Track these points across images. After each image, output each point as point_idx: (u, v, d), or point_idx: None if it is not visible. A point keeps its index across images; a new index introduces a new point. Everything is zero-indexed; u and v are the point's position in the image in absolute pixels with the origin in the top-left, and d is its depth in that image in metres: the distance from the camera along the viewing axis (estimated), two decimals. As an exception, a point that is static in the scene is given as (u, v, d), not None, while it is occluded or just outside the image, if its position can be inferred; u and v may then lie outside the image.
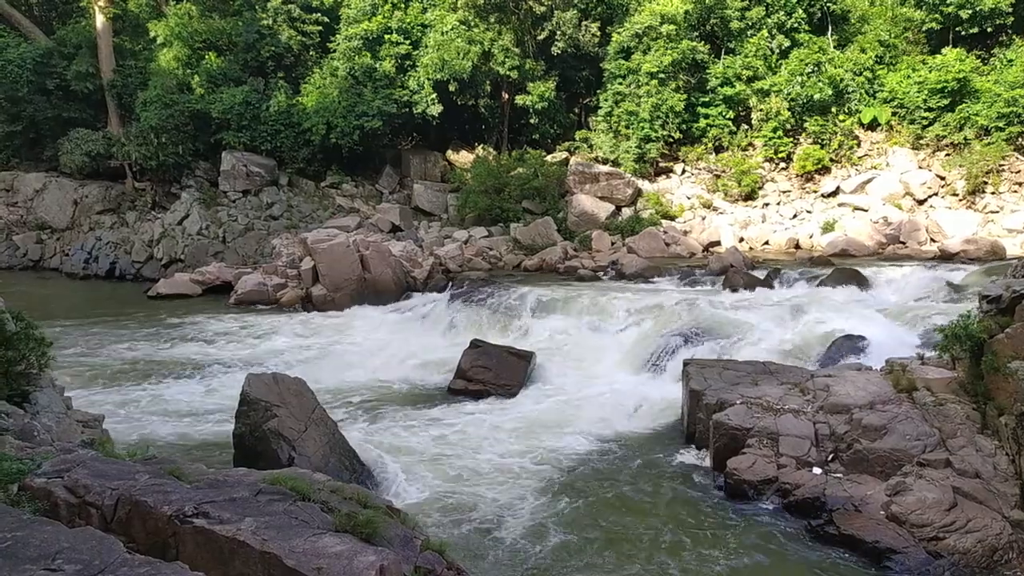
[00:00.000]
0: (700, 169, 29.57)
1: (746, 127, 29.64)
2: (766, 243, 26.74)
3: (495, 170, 29.58)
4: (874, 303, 16.47)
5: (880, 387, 10.26)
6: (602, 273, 23.10)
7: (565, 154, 31.01)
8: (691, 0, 28.76)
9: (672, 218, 27.90)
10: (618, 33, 29.29)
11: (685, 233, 26.92)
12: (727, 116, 29.30)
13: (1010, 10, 27.92)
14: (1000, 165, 26.33)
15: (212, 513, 4.87)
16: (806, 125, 28.73)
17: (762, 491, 9.19)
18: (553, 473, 10.32)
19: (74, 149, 31.06)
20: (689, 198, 28.81)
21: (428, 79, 29.61)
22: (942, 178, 27.29)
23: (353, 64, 30.34)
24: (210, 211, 29.58)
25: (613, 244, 26.26)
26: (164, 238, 29.07)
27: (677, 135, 28.92)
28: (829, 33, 30.50)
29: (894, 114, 28.67)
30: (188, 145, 31.11)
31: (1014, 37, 28.69)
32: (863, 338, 13.34)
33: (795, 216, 27.99)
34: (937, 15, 29.00)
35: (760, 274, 19.94)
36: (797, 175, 28.82)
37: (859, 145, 28.98)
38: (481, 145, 33.06)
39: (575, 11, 29.74)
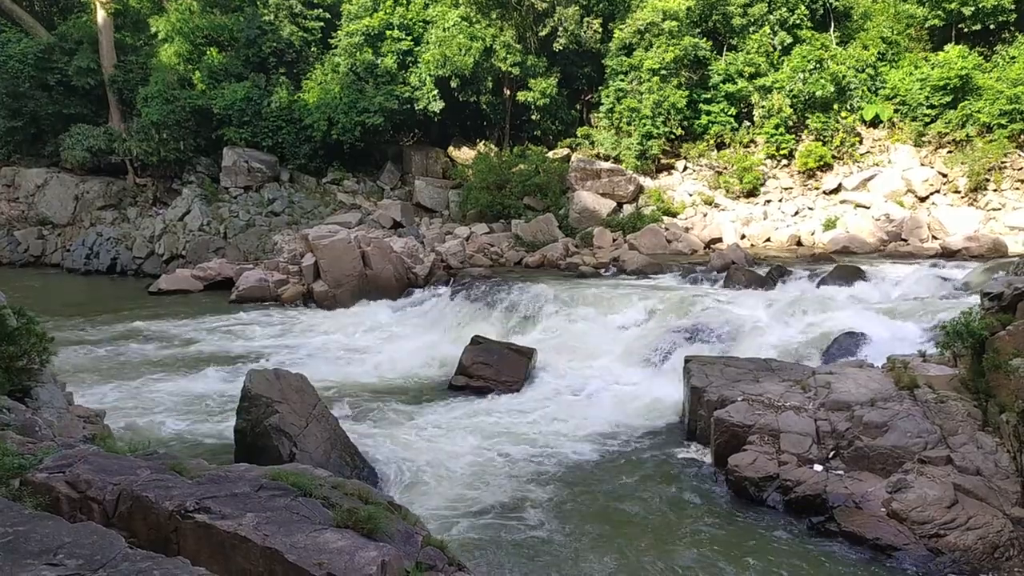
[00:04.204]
0: (702, 166, 29.54)
1: (748, 124, 29.61)
2: (768, 240, 26.72)
3: (497, 167, 29.56)
4: (876, 300, 16.46)
5: (881, 384, 10.25)
6: (603, 270, 23.08)
7: (567, 151, 30.98)
8: (693, -4, 28.75)
9: (674, 215, 27.87)
10: (620, 29, 29.24)
11: (687, 230, 26.90)
12: (729, 113, 29.27)
13: (1012, 7, 27.88)
14: (1002, 162, 26.31)
15: (213, 508, 4.87)
16: (808, 122, 28.69)
17: (763, 488, 9.18)
18: (554, 469, 10.33)
19: (75, 145, 31.05)
20: (691, 195, 28.78)
21: (430, 75, 29.58)
22: (944, 175, 27.26)
23: (355, 60, 30.31)
24: (211, 207, 29.59)
25: (614, 241, 26.24)
26: (165, 234, 29.08)
27: (679, 132, 28.88)
28: (831, 30, 30.45)
29: (896, 111, 28.64)
30: (189, 141, 31.11)
31: (1016, 34, 28.64)
32: (864, 335, 13.32)
33: (797, 213, 27.97)
34: (939, 12, 28.94)
35: (762, 271, 19.91)
36: (799, 172, 28.79)
37: (861, 142, 28.95)
38: (483, 141, 33.04)
39: (577, 7, 29.69)
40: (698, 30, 29.44)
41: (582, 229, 27.18)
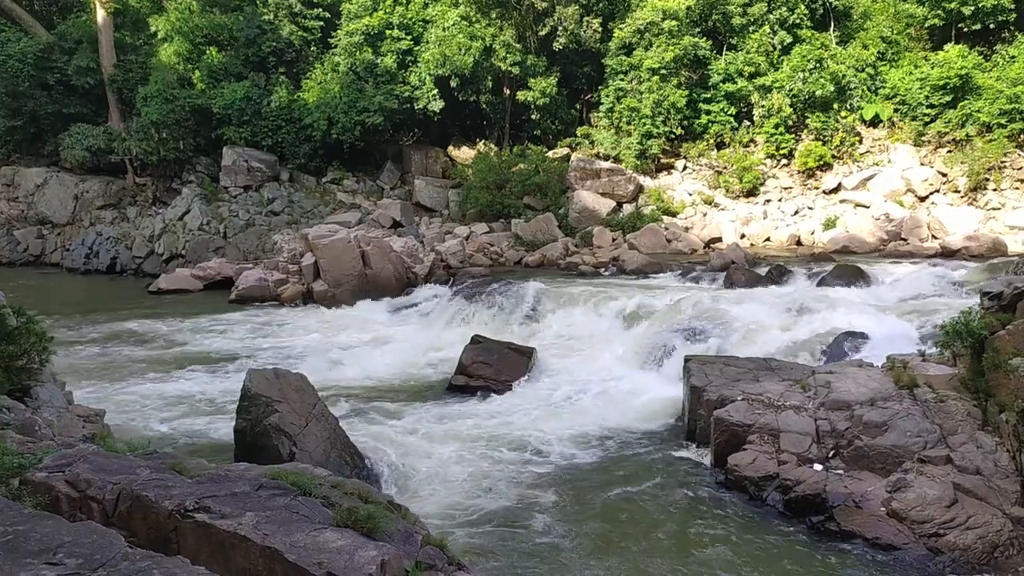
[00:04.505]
0: (701, 165, 29.53)
1: (748, 123, 29.60)
2: (767, 240, 26.72)
3: (496, 166, 29.56)
4: (875, 299, 16.45)
5: (881, 383, 10.24)
6: (603, 269, 23.10)
7: (566, 150, 30.98)
8: (693, -4, 28.74)
9: (673, 214, 27.87)
10: (620, 29, 29.24)
11: (686, 229, 26.91)
12: (729, 112, 29.26)
13: (1012, 7, 27.87)
14: (1002, 162, 26.31)
15: (213, 508, 4.87)
16: (808, 121, 28.68)
17: (763, 487, 9.18)
18: (553, 469, 10.32)
19: (75, 144, 31.05)
20: (690, 194, 28.78)
21: (429, 75, 29.58)
22: (944, 175, 27.27)
23: (354, 59, 30.31)
24: (211, 206, 29.58)
25: (614, 240, 26.24)
26: (165, 233, 29.08)
27: (679, 131, 28.88)
28: (831, 29, 30.45)
29: (896, 111, 28.63)
30: (189, 140, 31.11)
31: (1016, 34, 28.64)
32: (864, 334, 13.32)
33: (796, 212, 27.97)
34: (939, 11, 28.94)
35: (761, 271, 19.92)
36: (799, 171, 28.79)
37: (861, 142, 28.95)
38: (482, 141, 33.05)
39: (577, 7, 29.69)
40: (698, 29, 29.43)
41: (582, 229, 27.18)
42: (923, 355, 11.02)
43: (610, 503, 9.35)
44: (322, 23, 32.10)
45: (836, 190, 28.14)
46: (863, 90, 28.92)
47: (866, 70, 28.92)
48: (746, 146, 29.39)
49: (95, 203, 31.76)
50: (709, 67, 29.45)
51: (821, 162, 28.37)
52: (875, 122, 29.08)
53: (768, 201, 28.48)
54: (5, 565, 3.66)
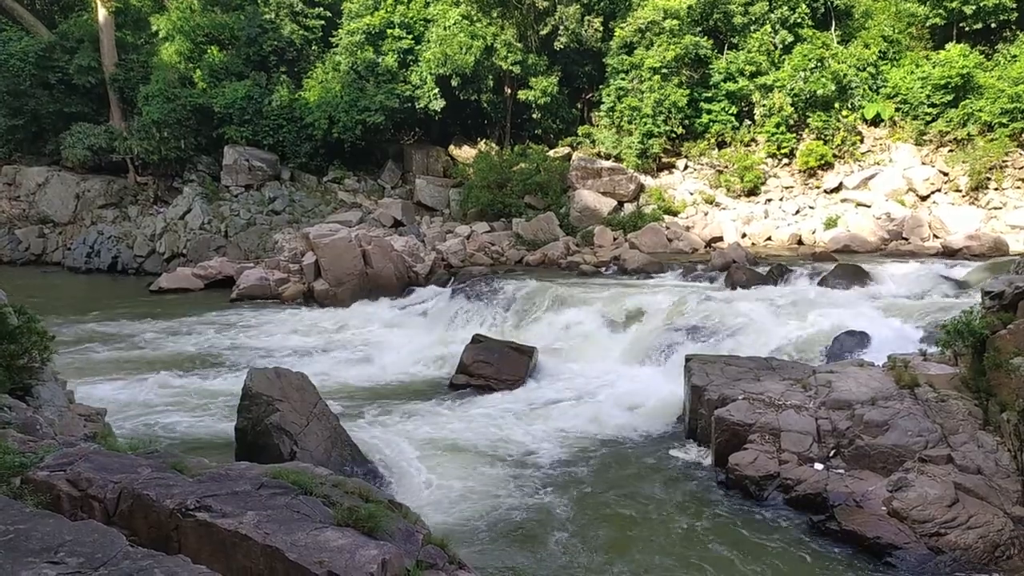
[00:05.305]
0: (703, 165, 29.54)
1: (749, 123, 29.60)
2: (768, 239, 26.72)
3: (497, 165, 29.56)
4: (877, 299, 16.44)
5: (882, 383, 10.24)
6: (604, 268, 23.09)
7: (567, 149, 30.99)
8: (694, -5, 28.72)
9: (674, 213, 27.88)
10: (621, 28, 29.23)
11: (687, 229, 26.91)
12: (730, 112, 29.26)
13: (1014, 6, 27.88)
14: (1003, 161, 26.31)
15: (214, 507, 4.87)
16: (809, 121, 28.68)
17: (764, 487, 9.18)
18: (554, 468, 10.32)
19: (76, 143, 31.07)
20: (691, 193, 28.78)
21: (430, 74, 29.57)
22: (945, 174, 27.26)
23: (355, 59, 30.31)
24: (212, 206, 29.59)
25: (615, 239, 26.24)
26: (166, 232, 29.09)
27: (680, 130, 28.89)
28: (832, 28, 30.43)
29: (897, 110, 28.63)
30: (190, 139, 31.14)
31: (1018, 33, 28.63)
32: (865, 334, 13.32)
33: (798, 212, 27.96)
34: (941, 10, 28.93)
35: (762, 270, 19.89)
36: (800, 171, 28.78)
37: (862, 141, 28.94)
38: (483, 140, 33.05)
39: (578, 6, 29.68)
40: (699, 29, 29.43)
41: (583, 228, 27.18)
42: (924, 354, 11.02)
43: (611, 502, 9.35)
44: (323, 22, 32.11)
45: (837, 189, 28.13)
46: (864, 89, 28.91)
47: (867, 69, 28.91)
48: (747, 145, 29.39)
49: (96, 202, 31.77)
50: (710, 66, 29.44)
51: (822, 161, 28.37)
52: (876, 121, 29.07)
53: (769, 200, 28.47)
54: (7, 564, 3.66)
